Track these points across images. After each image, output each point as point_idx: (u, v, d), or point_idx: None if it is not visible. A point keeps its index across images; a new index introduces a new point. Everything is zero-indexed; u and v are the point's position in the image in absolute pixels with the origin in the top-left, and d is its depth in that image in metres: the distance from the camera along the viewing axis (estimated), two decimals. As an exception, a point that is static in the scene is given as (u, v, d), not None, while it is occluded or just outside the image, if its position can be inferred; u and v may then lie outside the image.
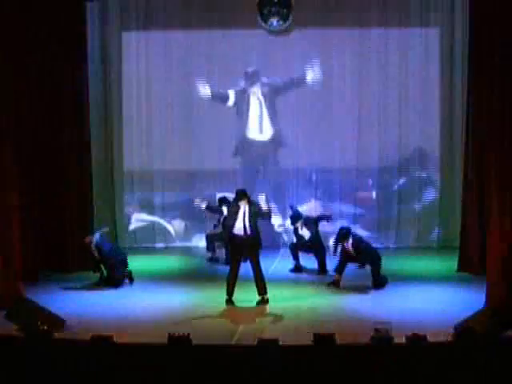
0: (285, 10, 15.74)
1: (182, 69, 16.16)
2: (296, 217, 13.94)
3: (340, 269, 12.52)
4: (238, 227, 11.26)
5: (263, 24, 15.86)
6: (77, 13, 14.00)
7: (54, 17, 13.51)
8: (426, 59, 15.87)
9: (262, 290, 11.35)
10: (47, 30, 13.41)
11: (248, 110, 16.13)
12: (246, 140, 16.23)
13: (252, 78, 15.94)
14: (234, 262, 11.41)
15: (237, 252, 11.40)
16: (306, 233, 13.68)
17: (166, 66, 16.17)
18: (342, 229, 12.79)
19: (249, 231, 11.28)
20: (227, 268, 11.73)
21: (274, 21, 15.81)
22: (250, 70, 15.92)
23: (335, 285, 12.43)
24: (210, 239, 14.63)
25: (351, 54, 15.96)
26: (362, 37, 15.89)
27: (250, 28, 15.94)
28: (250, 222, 11.24)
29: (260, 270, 11.35)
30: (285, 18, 15.79)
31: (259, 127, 16.19)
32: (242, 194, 11.37)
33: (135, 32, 16.14)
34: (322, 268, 13.51)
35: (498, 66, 11.45)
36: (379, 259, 12.42)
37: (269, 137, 16.20)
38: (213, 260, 14.47)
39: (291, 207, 14.57)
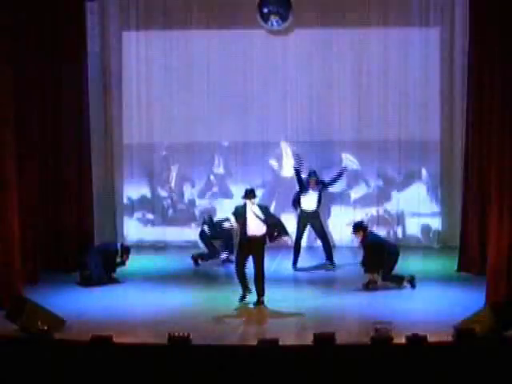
0: (285, 10, 15.72)
1: (181, 69, 16.16)
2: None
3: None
4: (249, 226, 11.31)
5: (263, 24, 15.84)
6: (77, 13, 14.00)
7: (54, 17, 13.50)
8: (426, 59, 15.86)
9: (260, 291, 11.35)
10: (47, 30, 13.39)
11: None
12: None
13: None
14: (242, 260, 11.45)
15: (245, 250, 11.42)
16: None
17: (165, 65, 16.16)
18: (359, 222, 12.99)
19: (256, 230, 11.33)
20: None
21: (274, 21, 15.78)
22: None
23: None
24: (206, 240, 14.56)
25: (351, 54, 15.94)
26: (362, 37, 15.89)
27: (250, 28, 15.94)
28: (257, 220, 11.32)
29: (262, 270, 11.35)
30: (285, 18, 15.77)
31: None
32: (250, 193, 11.46)
33: (135, 32, 16.13)
34: (330, 258, 13.70)
35: (498, 66, 11.45)
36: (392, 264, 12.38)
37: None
38: (228, 260, 14.25)
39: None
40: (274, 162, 16.36)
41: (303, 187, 13.79)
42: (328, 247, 13.93)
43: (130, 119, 16.24)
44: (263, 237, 11.40)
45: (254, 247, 11.33)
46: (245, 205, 11.42)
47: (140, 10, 16.00)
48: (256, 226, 11.31)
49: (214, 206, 16.15)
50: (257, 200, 11.60)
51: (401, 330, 9.23)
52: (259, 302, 11.29)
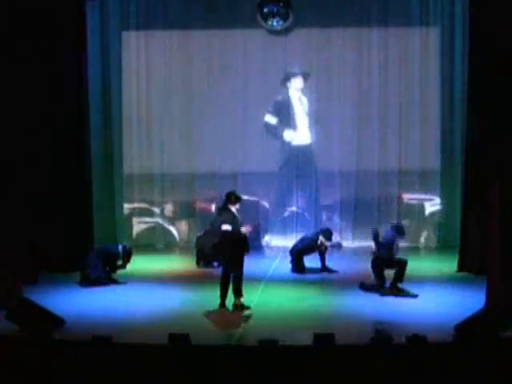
0: (285, 10, 15.75)
1: (181, 68, 16.19)
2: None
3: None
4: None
5: (263, 24, 15.87)
6: (77, 13, 14.00)
7: (55, 16, 13.50)
8: (426, 59, 15.89)
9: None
10: (47, 30, 13.39)
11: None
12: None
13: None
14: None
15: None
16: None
17: (166, 65, 16.20)
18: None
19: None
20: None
21: (274, 20, 15.82)
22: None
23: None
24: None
25: (351, 54, 15.97)
26: (362, 36, 15.91)
27: (250, 28, 15.96)
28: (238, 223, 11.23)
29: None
30: (285, 18, 15.80)
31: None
32: (235, 197, 11.33)
33: (135, 32, 16.17)
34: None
35: (498, 66, 11.46)
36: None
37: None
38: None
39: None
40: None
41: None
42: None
43: (130, 118, 16.27)
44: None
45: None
46: (228, 209, 11.14)
47: (140, 10, 16.04)
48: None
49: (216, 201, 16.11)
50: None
51: (401, 330, 9.23)
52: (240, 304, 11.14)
